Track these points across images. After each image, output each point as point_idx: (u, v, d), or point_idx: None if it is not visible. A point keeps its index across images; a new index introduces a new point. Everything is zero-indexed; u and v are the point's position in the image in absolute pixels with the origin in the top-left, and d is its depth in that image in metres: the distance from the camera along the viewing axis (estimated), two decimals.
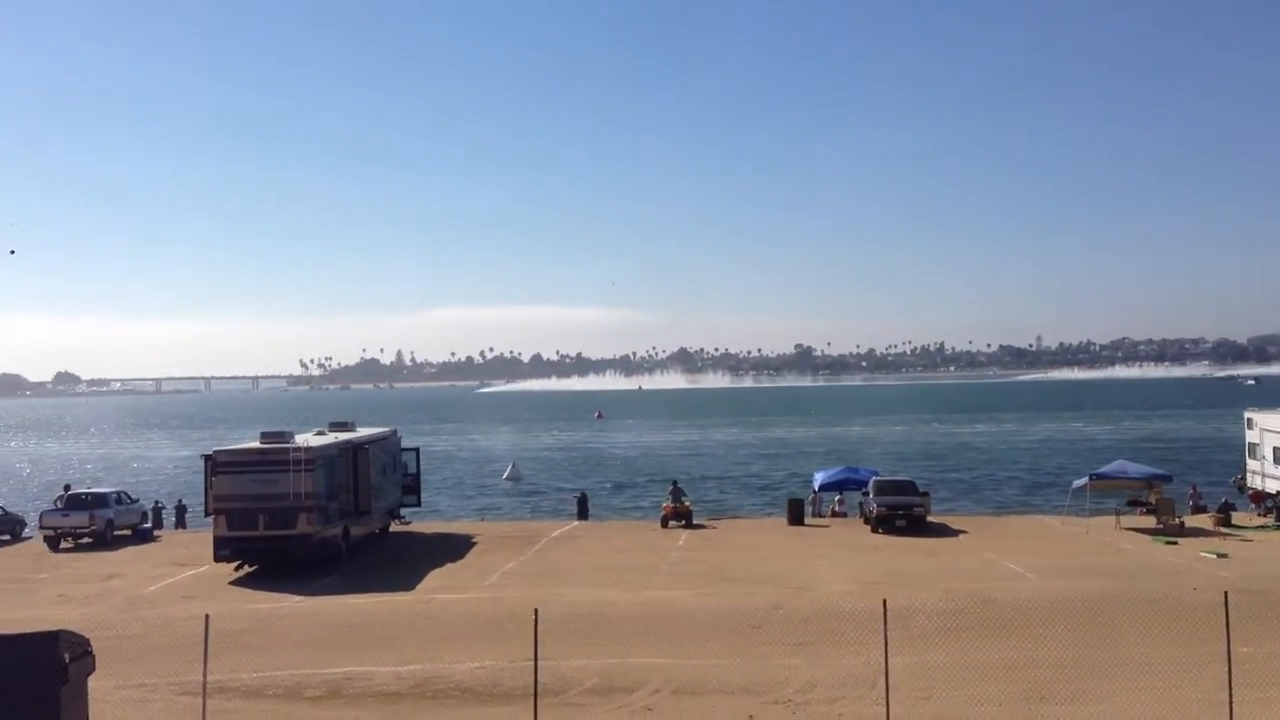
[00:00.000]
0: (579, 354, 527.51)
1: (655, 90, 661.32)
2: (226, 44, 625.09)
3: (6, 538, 38.37)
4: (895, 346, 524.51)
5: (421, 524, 40.39)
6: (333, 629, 22.64)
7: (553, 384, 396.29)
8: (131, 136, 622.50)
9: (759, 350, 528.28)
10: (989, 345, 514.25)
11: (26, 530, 39.43)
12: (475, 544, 34.93)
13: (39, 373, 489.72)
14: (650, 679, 18.15)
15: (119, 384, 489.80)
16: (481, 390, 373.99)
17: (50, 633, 15.32)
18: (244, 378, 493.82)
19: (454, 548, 34.23)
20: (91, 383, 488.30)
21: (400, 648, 20.81)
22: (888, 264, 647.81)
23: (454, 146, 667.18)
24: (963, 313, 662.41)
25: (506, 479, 69.34)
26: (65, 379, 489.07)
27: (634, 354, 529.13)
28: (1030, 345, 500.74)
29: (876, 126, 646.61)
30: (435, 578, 29.14)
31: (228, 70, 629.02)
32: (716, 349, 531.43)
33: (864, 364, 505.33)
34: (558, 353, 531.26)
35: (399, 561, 32.01)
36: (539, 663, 15.31)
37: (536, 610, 15.33)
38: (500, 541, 35.46)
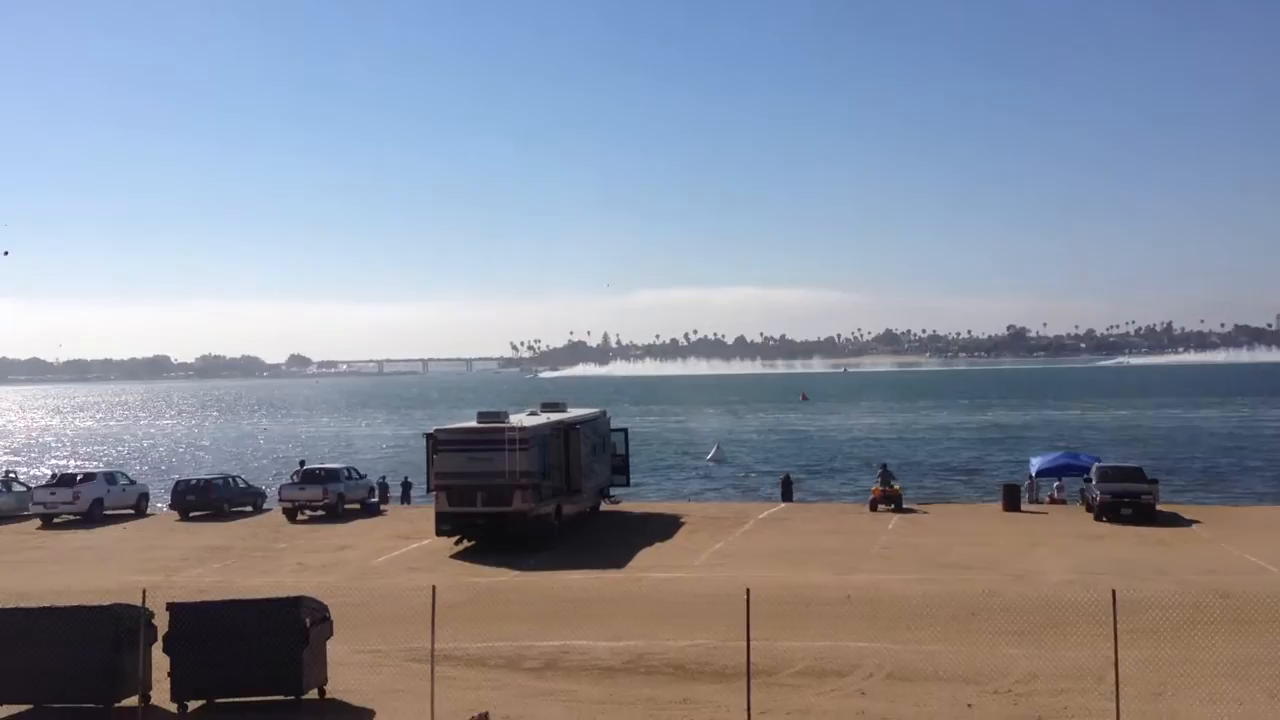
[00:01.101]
0: (782, 336, 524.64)
1: (854, 57, 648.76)
2: (426, 34, 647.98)
3: (249, 509, 41.14)
4: (1117, 327, 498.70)
5: (630, 503, 41.03)
6: (549, 603, 23.30)
7: (643, 367, 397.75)
8: (353, 129, 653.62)
9: (969, 332, 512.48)
10: (1222, 325, 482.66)
11: (266, 503, 42.12)
12: (683, 524, 35.26)
13: (274, 355, 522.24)
14: (863, 663, 17.93)
15: (345, 365, 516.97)
16: (544, 374, 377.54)
17: (293, 598, 16.38)
18: (458, 360, 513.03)
19: (663, 527, 34.64)
20: (321, 365, 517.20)
21: (614, 623, 21.23)
22: (1106, 238, 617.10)
23: (655, 127, 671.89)
24: (1191, 290, 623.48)
25: (711, 460, 69.66)
26: (297, 361, 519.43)
27: (838, 336, 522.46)
28: (1269, 325, 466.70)
29: (1090, 94, 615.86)
30: (645, 556, 29.57)
31: (437, 57, 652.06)
32: (924, 330, 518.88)
33: (1083, 345, 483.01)
34: (761, 334, 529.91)
35: (610, 540, 32.62)
36: (750, 643, 15.33)
37: (748, 590, 15.36)
38: (708, 522, 35.68)
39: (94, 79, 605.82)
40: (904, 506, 37.76)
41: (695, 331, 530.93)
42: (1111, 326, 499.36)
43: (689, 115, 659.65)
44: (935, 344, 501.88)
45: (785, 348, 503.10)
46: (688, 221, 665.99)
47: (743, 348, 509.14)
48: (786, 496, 42.70)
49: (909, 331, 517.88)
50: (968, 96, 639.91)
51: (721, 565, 27.83)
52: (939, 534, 32.35)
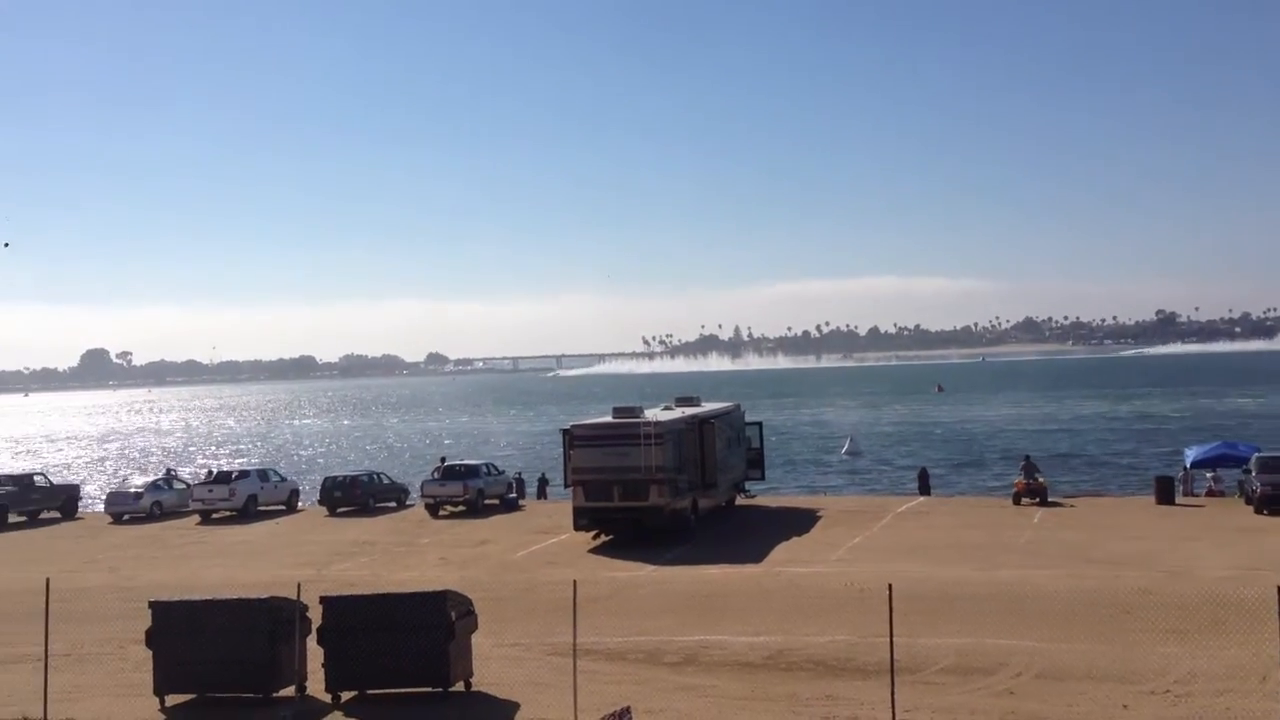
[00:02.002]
0: (917, 326, 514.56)
1: (994, 42, 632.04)
2: (566, 36, 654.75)
3: (393, 505, 42.29)
4: (1276, 309, 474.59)
5: (765, 497, 40.84)
6: (687, 598, 23.35)
7: (655, 364, 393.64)
8: (491, 127, 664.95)
9: (1114, 318, 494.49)
10: None
11: (409, 498, 43.24)
12: (820, 518, 34.92)
13: (413, 354, 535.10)
14: (1010, 661, 17.47)
15: (481, 363, 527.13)
16: (563, 373, 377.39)
17: (438, 592, 16.76)
18: (591, 355, 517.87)
19: (799, 521, 34.37)
20: (457, 362, 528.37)
21: (752, 618, 21.15)
22: (1261, 216, 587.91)
23: (783, 119, 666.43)
24: None
25: (846, 453, 68.89)
26: (435, 359, 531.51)
27: (975, 325, 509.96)
28: None
29: (1238, 73, 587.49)
30: (782, 550, 29.39)
31: (567, 60, 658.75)
32: (1065, 317, 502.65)
33: (1237, 329, 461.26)
34: (895, 325, 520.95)
35: (746, 534, 32.52)
36: (894, 639, 15.09)
37: (890, 586, 15.12)
38: (844, 516, 35.27)
39: (265, 79, 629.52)
40: (1049, 500, 36.67)
41: (827, 323, 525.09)
42: (1269, 309, 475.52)
43: (817, 104, 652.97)
44: (1078, 331, 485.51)
45: (920, 338, 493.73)
46: (818, 213, 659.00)
47: (876, 339, 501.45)
48: (924, 490, 41.94)
49: (1050, 319, 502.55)
50: (1109, 80, 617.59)
51: (860, 560, 27.48)
52: (1088, 528, 31.31)
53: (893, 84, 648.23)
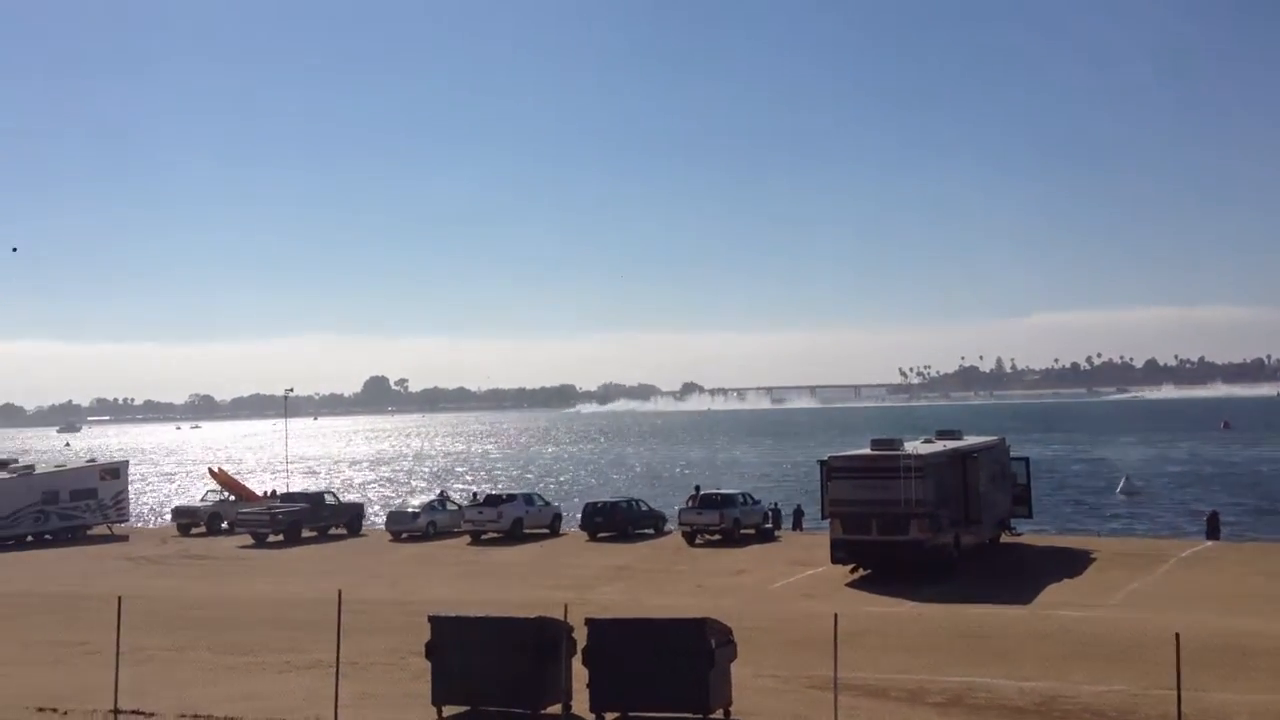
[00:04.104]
0: (1200, 358, 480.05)
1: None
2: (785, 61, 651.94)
3: (650, 532, 43.05)
4: None
5: (1032, 536, 39.10)
6: (949, 636, 22.63)
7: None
8: (738, 158, 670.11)
9: None
10: None
11: (667, 525, 43.91)
12: (1093, 559, 33.12)
13: (669, 383, 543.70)
14: None
15: (736, 393, 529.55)
16: (584, 409, 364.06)
17: (699, 620, 16.92)
18: (846, 386, 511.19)
19: (1069, 562, 32.71)
20: (712, 392, 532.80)
21: (1019, 662, 20.28)
22: None
23: (1020, 140, 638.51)
24: None
25: (1121, 493, 65.01)
26: (690, 388, 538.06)
27: (1269, 357, 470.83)
28: None
29: None
30: (1052, 592, 28.05)
31: (796, 89, 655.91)
32: None
33: None
34: (1176, 357, 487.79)
35: (1011, 573, 31.26)
36: (1181, 693, 14.12)
37: (1177, 635, 14.16)
38: (1120, 558, 33.31)
39: (532, 122, 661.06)
40: None
41: (1099, 354, 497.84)
42: None
43: (1090, 121, 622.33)
44: None
45: (1203, 371, 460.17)
46: (1088, 239, 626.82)
47: (1153, 371, 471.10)
48: (1213, 534, 38.98)
49: None
50: None
51: (1139, 606, 25.87)
52: None
53: (1190, 96, 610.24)
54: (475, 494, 51.75)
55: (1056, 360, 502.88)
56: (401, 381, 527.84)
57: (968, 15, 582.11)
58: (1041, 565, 32.38)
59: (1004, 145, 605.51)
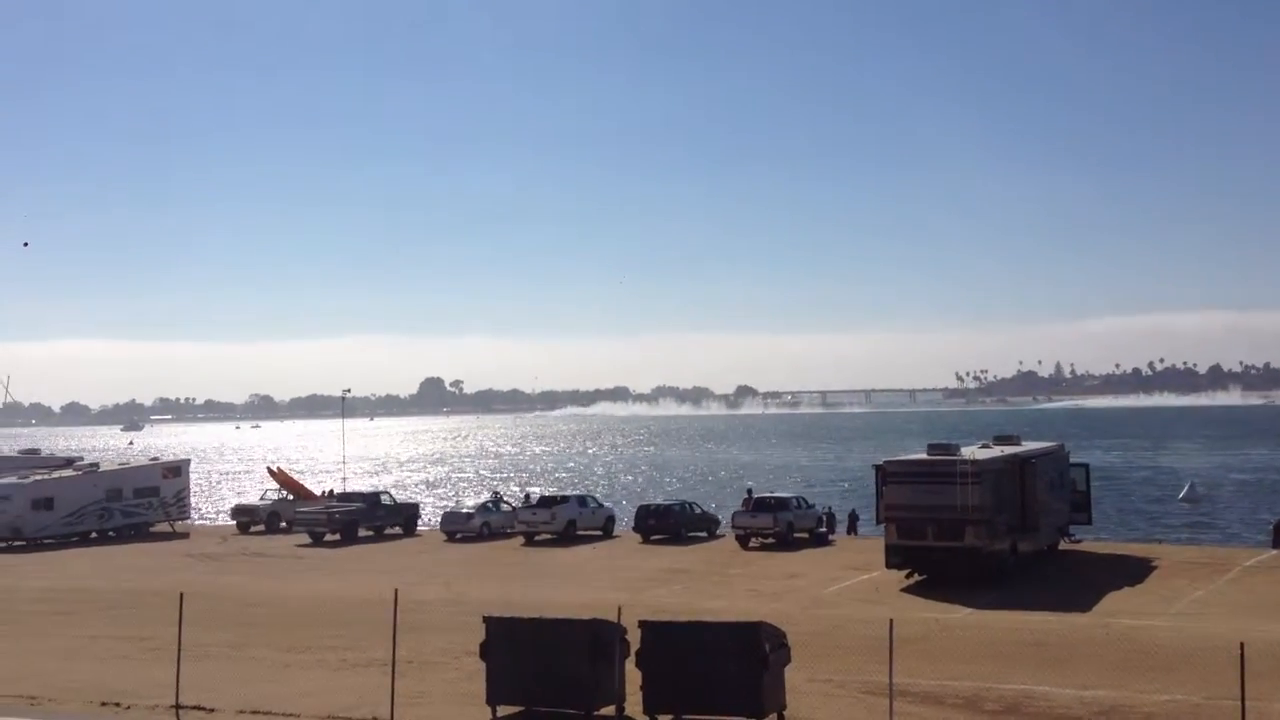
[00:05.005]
0: (1267, 364, 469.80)
1: None
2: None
3: (703, 535, 42.99)
4: None
5: (1092, 543, 38.51)
6: (1006, 644, 22.35)
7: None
8: (806, 167, 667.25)
9: None
10: None
11: (720, 528, 43.81)
12: (1155, 568, 32.57)
13: (722, 386, 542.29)
14: None
15: (789, 396, 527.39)
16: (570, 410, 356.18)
17: (753, 623, 16.89)
18: (901, 390, 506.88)
19: (1130, 570, 32.20)
20: (765, 395, 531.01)
21: (1078, 670, 19.99)
22: None
23: (1116, 136, 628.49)
24: None
25: (1184, 500, 63.93)
26: (744, 391, 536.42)
27: None
28: None
29: None
30: (1112, 600, 27.62)
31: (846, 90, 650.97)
32: None
33: None
34: (1241, 363, 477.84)
35: (1070, 581, 30.83)
36: (1245, 703, 13.86)
37: (1242, 645, 13.90)
38: (1183, 567, 32.72)
39: (590, 124, 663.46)
40: None
41: (1161, 360, 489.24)
42: None
43: (1147, 121, 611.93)
44: None
45: (1270, 377, 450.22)
46: (1149, 241, 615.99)
47: (1218, 377, 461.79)
48: (1279, 543, 38.17)
49: None
50: None
51: (1202, 615, 25.42)
52: None
53: (1251, 96, 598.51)
54: (528, 495, 51.97)
55: (1117, 365, 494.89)
56: (456, 383, 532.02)
57: (1032, 6, 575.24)
58: (1101, 573, 31.90)
59: (1064, 145, 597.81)
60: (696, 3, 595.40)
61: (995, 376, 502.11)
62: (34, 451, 64.47)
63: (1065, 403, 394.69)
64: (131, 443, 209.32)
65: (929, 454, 31.94)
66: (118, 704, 18.55)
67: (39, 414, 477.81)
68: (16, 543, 44.62)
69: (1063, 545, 36.72)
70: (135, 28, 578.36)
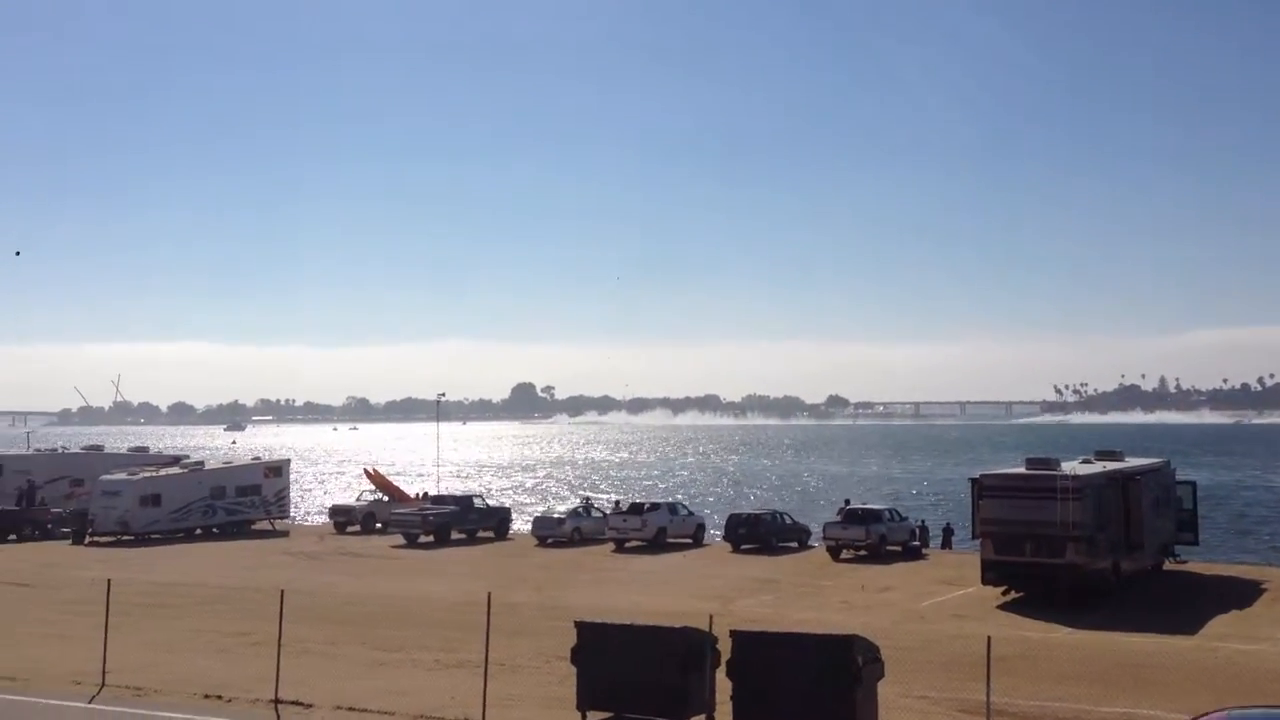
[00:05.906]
0: None
1: None
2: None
3: (794, 545, 42.66)
4: None
5: (1198, 564, 37.29)
6: (1108, 666, 21.75)
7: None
8: (896, 168, 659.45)
9: None
10: None
11: (811, 539, 43.44)
12: (1264, 590, 31.42)
13: (813, 395, 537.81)
14: None
15: (881, 407, 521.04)
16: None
17: (846, 637, 16.66)
18: (998, 403, 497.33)
19: (1239, 593, 31.12)
20: (858, 405, 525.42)
21: (1184, 695, 19.29)
22: None
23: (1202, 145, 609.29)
24: None
25: None
26: (835, 401, 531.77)
27: None
28: None
29: None
30: (1220, 624, 26.69)
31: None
32: None
33: None
34: None
35: (1175, 602, 29.90)
36: None
37: None
38: None
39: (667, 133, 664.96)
40: None
41: (1271, 375, 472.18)
42: None
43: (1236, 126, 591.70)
44: None
45: None
46: (1258, 251, 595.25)
47: None
48: None
49: None
50: None
51: None
52: None
53: None
54: (618, 502, 52.09)
55: (1225, 380, 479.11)
56: (548, 389, 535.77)
57: (1141, 9, 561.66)
58: (1208, 595, 30.88)
59: (1168, 151, 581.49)
60: None
61: (1095, 390, 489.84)
62: (143, 449, 66.77)
63: (1166, 417, 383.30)
64: (234, 442, 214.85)
65: (1028, 468, 31.28)
66: (219, 696, 19.03)
67: (147, 413, 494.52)
68: (125, 537, 46.07)
69: (1167, 565, 35.66)
70: (204, 23, 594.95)
